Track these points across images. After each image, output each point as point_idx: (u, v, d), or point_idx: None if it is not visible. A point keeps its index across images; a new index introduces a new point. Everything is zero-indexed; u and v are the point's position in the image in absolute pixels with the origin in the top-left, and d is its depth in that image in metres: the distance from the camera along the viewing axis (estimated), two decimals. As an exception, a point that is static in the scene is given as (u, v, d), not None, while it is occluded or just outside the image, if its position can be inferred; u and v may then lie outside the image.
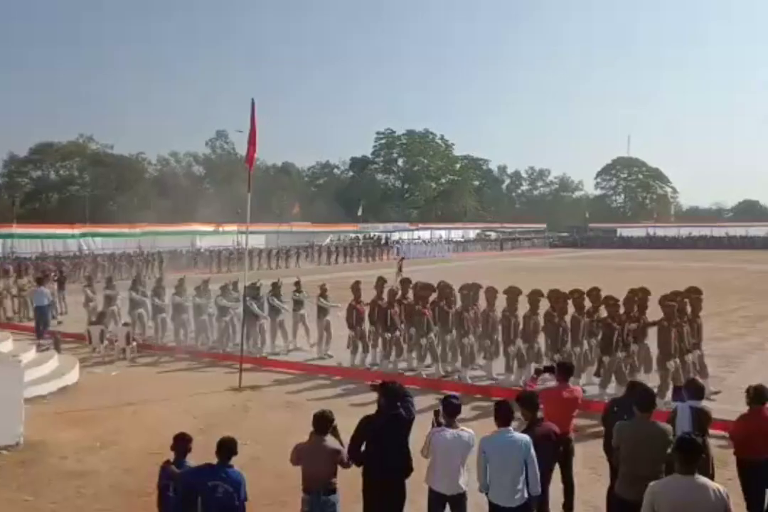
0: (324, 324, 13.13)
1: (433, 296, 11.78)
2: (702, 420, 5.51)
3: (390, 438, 5.06)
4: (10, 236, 39.42)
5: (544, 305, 10.63)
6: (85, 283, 17.72)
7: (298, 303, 14.01)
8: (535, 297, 10.70)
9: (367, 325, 12.29)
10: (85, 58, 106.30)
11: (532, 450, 4.81)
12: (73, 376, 11.29)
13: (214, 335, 13.94)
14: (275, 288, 13.78)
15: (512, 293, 10.82)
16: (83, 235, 42.77)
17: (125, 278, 24.56)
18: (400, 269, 29.73)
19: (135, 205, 63.47)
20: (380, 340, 11.95)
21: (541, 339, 10.65)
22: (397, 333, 11.72)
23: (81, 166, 70.00)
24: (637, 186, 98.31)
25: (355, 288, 12.45)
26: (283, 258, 40.35)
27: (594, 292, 10.87)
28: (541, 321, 10.54)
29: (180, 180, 71.58)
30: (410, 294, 12.16)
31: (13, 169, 68.83)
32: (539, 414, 5.37)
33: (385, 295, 12.03)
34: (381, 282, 12.25)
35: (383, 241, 55.14)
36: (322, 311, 13.20)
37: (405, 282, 12.55)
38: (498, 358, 11.24)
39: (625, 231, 74.91)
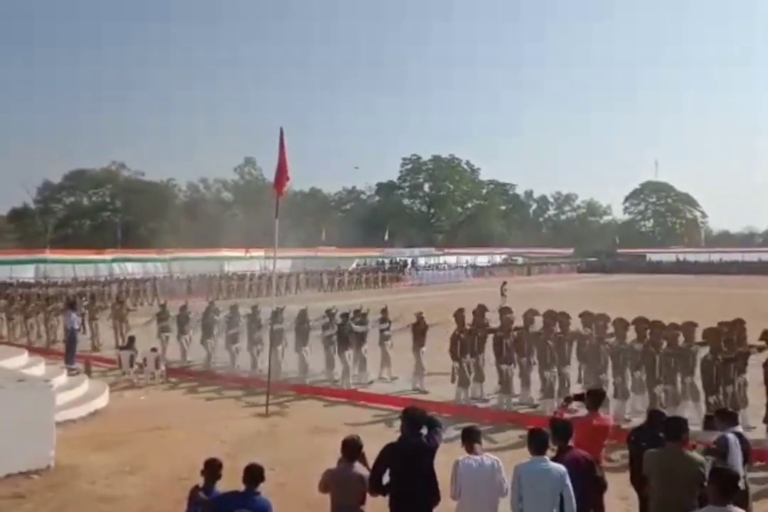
0: (419, 355, 12.41)
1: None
2: (747, 447, 5.42)
3: (413, 466, 4.98)
4: (43, 261, 40.26)
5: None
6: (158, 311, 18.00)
7: (384, 332, 13.29)
8: (672, 331, 9.72)
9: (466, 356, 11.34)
10: (116, 86, 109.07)
11: (568, 481, 4.72)
12: (103, 400, 11.40)
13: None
14: (361, 316, 13.14)
15: (654, 326, 9.92)
16: (114, 261, 43.49)
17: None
18: (503, 293, 28.38)
19: (165, 230, 64.47)
20: (493, 373, 11.16)
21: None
22: (513, 365, 10.96)
23: (113, 192, 71.50)
24: (666, 210, 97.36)
25: (459, 316, 11.51)
26: (313, 283, 40.35)
27: (739, 325, 9.83)
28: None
29: (209, 206, 72.69)
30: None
31: (47, 196, 70.48)
32: (570, 442, 5.29)
33: (486, 324, 11.43)
34: (482, 310, 11.61)
35: (407, 266, 55.06)
36: (417, 341, 12.50)
37: (505, 311, 11.64)
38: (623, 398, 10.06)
39: (655, 256, 73.93)
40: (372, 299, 26.34)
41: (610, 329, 10.43)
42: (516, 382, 11.03)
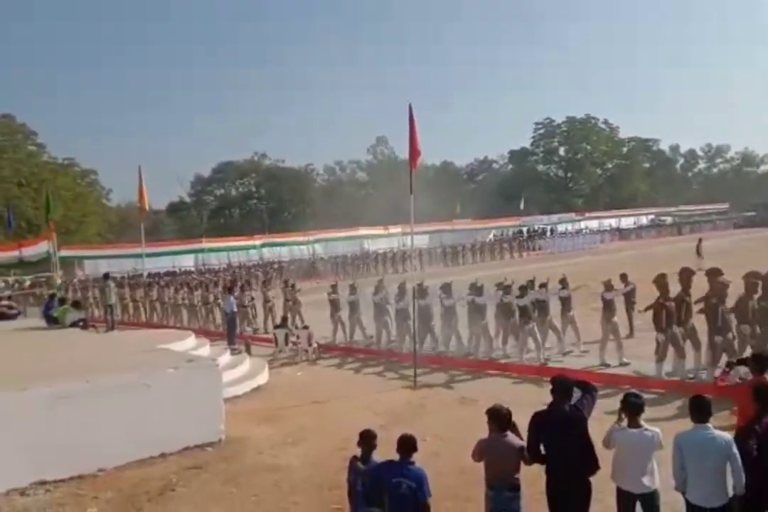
0: (612, 327, 11.58)
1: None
2: None
3: (561, 434, 4.90)
4: (201, 250, 43.31)
5: None
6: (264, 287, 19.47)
7: (566, 302, 12.64)
8: None
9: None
10: (257, 83, 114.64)
11: (735, 450, 4.50)
12: (263, 377, 12.15)
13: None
14: (541, 286, 12.51)
15: None
16: (263, 246, 45.90)
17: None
18: (699, 252, 26.09)
19: (307, 213, 67.08)
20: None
21: None
22: (730, 335, 9.81)
23: (257, 181, 75.32)
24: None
25: (662, 282, 10.40)
26: (451, 256, 40.46)
27: None
28: None
29: (345, 187, 74.65)
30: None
31: (199, 189, 75.53)
32: None
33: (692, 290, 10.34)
34: (687, 273, 10.51)
35: (545, 234, 53.59)
36: (608, 311, 11.66)
37: (714, 273, 10.23)
38: None
39: (824, 205, 66.93)
40: (511, 269, 25.99)
41: None
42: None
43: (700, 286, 10.49)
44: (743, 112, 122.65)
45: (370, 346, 14.68)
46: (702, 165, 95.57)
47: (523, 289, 12.26)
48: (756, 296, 9.90)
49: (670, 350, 10.31)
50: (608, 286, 11.96)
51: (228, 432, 8.91)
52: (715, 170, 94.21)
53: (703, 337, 10.25)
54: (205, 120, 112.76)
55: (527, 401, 8.02)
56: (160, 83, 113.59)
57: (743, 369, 6.36)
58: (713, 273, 10.19)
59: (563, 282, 12.80)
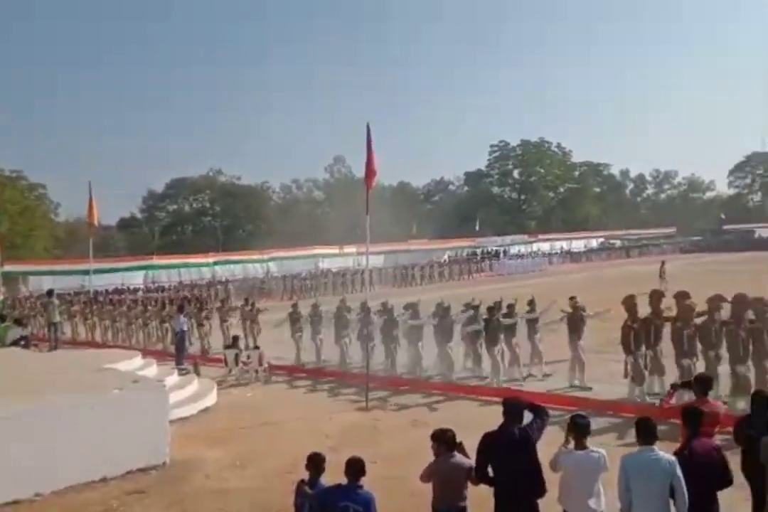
0: (578, 348, 11.53)
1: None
2: None
3: (509, 456, 4.90)
4: (151, 267, 42.46)
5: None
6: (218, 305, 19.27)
7: (532, 325, 12.52)
8: None
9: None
10: (213, 96, 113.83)
11: (679, 471, 4.54)
12: (212, 398, 11.90)
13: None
14: (509, 307, 12.46)
15: None
16: (216, 264, 45.26)
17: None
18: (662, 275, 26.49)
19: (262, 231, 66.61)
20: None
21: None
22: (694, 359, 9.86)
23: (212, 197, 74.51)
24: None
25: (630, 304, 10.45)
26: (401, 277, 40.44)
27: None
28: None
29: (302, 206, 74.46)
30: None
31: (151, 205, 74.31)
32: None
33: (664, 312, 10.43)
34: (657, 295, 10.60)
35: (498, 255, 54.22)
36: (575, 333, 11.62)
37: (682, 296, 10.32)
38: None
39: (765, 231, 69.41)
40: (464, 290, 26.16)
41: None
42: None
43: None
44: (691, 138, 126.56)
45: (324, 367, 14.55)
46: (650, 190, 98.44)
47: (491, 310, 12.21)
48: (719, 319, 9.92)
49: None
50: (574, 307, 11.83)
51: (174, 455, 8.68)
52: (663, 195, 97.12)
53: (667, 361, 10.37)
54: (204, 121, 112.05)
55: (481, 424, 8.01)
56: (161, 83, 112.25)
57: (687, 392, 6.47)
58: (681, 297, 10.33)
59: (531, 304, 12.73)
